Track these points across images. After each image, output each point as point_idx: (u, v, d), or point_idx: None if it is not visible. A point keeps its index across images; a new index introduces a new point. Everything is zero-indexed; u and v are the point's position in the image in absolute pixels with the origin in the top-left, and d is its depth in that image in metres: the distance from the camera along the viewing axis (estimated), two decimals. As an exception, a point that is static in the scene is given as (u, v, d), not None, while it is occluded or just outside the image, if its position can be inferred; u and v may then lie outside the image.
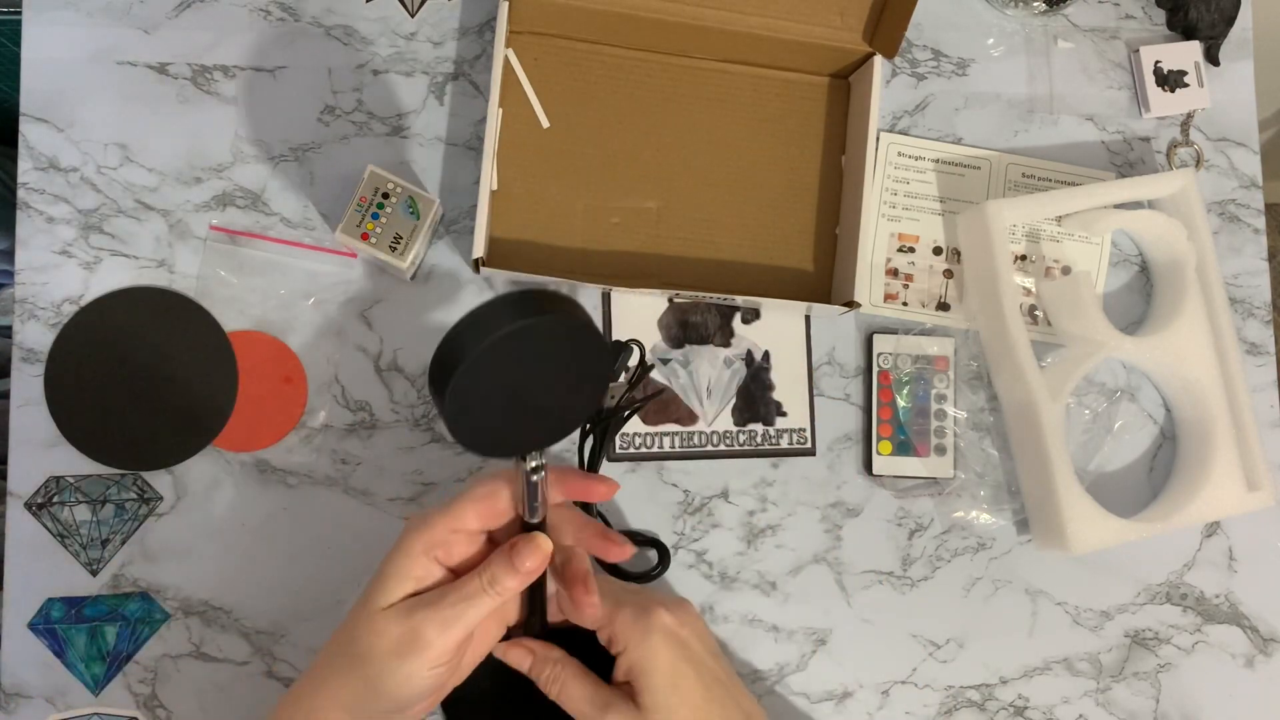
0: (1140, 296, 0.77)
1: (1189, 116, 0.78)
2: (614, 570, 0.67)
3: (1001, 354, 0.71)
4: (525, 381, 0.44)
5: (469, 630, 0.48)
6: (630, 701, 0.51)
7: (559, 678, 0.53)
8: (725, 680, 0.54)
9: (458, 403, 0.43)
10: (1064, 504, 0.68)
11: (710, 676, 0.53)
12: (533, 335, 0.42)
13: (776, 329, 0.72)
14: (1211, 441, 0.72)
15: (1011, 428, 0.73)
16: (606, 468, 0.69)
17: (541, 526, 0.50)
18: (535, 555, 0.48)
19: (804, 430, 0.71)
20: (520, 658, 0.54)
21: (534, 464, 0.47)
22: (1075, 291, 0.72)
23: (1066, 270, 0.75)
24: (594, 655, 0.53)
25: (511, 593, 0.49)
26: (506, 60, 0.70)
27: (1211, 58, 0.78)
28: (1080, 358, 0.71)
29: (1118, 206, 0.74)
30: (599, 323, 0.70)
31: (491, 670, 0.54)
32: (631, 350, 0.68)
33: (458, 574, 0.50)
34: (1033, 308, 0.75)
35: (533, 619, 0.54)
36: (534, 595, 0.53)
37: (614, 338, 0.69)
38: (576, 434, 0.67)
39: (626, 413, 0.67)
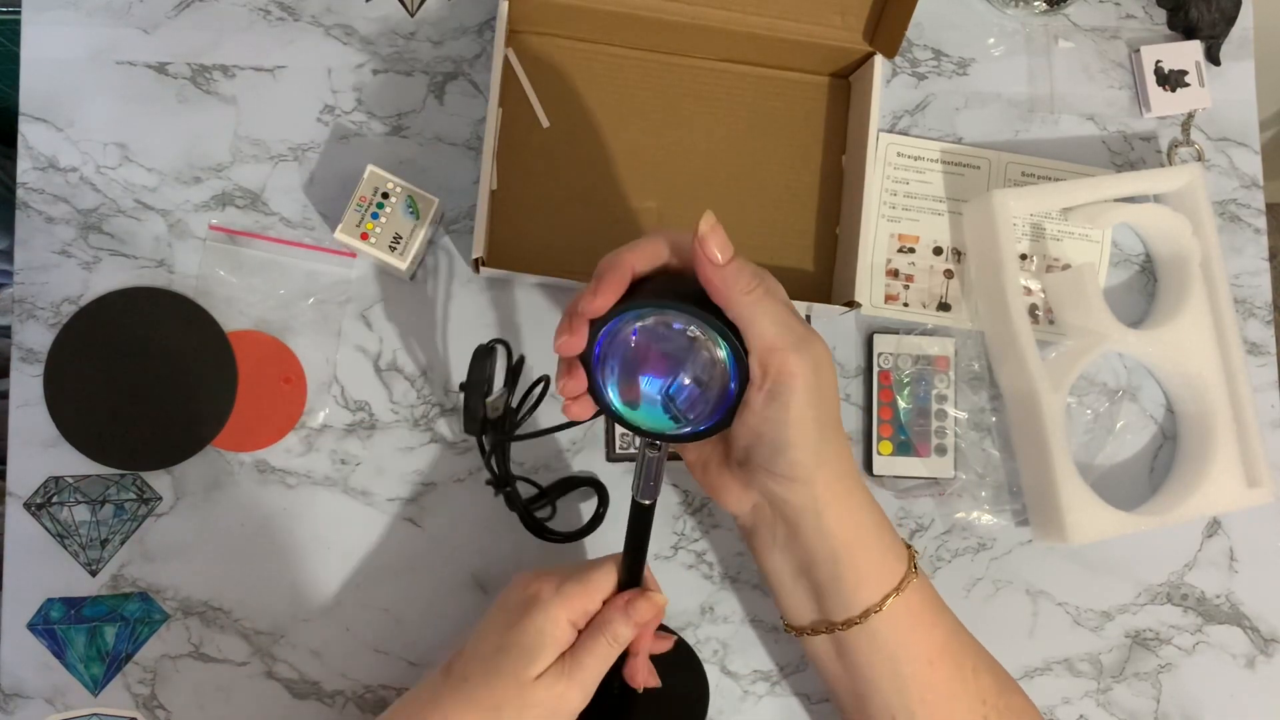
0: (1141, 296, 0.77)
1: (1190, 116, 0.78)
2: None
3: (1004, 344, 0.71)
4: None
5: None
6: None
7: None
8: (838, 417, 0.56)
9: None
10: (1063, 494, 0.68)
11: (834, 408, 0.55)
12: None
13: (777, 329, 0.72)
14: (1212, 437, 0.71)
15: (1013, 420, 0.72)
16: (606, 468, 0.69)
17: (650, 509, 0.54)
18: (649, 609, 0.54)
19: (804, 430, 0.71)
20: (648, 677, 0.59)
21: (653, 439, 0.52)
22: (1079, 282, 0.72)
23: (1067, 269, 0.75)
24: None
25: (629, 640, 0.54)
26: (506, 60, 0.70)
27: (1212, 57, 0.78)
28: (1082, 350, 0.71)
29: (1120, 202, 0.74)
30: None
31: None
32: (495, 351, 0.62)
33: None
34: (1034, 307, 0.74)
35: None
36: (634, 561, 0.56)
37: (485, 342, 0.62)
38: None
39: (520, 415, 0.64)
